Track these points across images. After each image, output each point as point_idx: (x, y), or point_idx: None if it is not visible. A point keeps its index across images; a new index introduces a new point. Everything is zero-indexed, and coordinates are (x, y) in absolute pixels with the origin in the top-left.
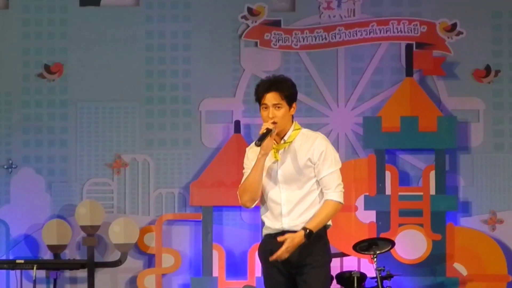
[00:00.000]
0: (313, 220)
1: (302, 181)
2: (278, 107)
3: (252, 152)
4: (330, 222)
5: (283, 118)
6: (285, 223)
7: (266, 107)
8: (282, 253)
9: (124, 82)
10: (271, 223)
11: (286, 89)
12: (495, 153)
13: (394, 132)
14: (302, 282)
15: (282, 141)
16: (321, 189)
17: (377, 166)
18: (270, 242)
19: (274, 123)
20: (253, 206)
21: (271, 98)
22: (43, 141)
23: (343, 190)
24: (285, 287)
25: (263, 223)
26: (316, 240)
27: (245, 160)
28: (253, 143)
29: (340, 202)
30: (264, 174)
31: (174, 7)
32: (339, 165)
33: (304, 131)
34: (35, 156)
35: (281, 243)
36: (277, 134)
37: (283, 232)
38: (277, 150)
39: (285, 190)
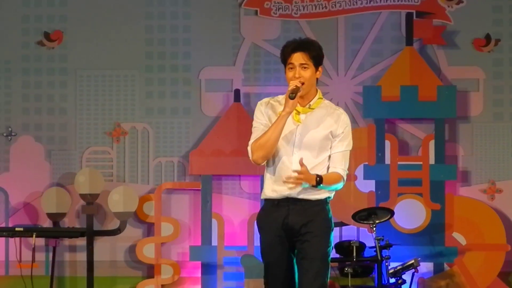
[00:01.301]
0: (324, 175)
1: (317, 150)
2: (305, 68)
3: (267, 107)
4: (332, 195)
5: (310, 80)
6: (291, 189)
7: (293, 67)
8: (294, 178)
9: (124, 50)
10: (276, 187)
11: (314, 50)
12: (494, 123)
13: (394, 102)
14: (302, 250)
15: (308, 106)
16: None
17: (376, 135)
18: (273, 210)
19: (301, 83)
20: (263, 163)
21: (298, 57)
22: (43, 109)
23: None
24: (286, 257)
25: (264, 187)
26: (319, 209)
27: (257, 114)
28: (266, 98)
29: (344, 180)
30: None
31: None
32: (351, 148)
33: (327, 102)
34: (35, 124)
35: (285, 212)
36: (301, 97)
37: (287, 199)
38: (299, 113)
39: (299, 155)
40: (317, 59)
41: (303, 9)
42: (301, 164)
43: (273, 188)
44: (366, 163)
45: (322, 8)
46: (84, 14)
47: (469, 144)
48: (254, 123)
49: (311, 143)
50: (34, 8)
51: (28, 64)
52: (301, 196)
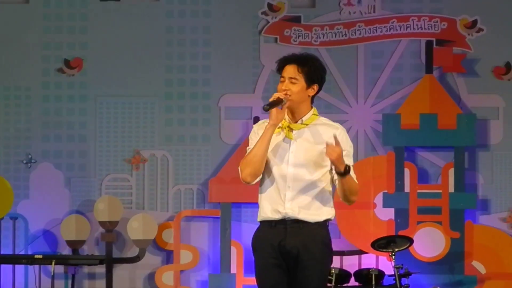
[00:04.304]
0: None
1: (313, 167)
2: (293, 82)
3: (260, 128)
4: (332, 216)
5: (298, 94)
6: (288, 209)
7: (283, 80)
8: (334, 149)
9: (143, 77)
10: (272, 207)
11: (308, 65)
12: None
13: (413, 130)
14: (303, 277)
15: (300, 122)
16: (329, 184)
17: (396, 163)
18: (270, 231)
19: (287, 95)
20: (254, 182)
21: (289, 70)
22: (63, 136)
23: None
24: (281, 281)
25: (261, 209)
26: (319, 234)
27: (251, 135)
28: (262, 120)
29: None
30: (273, 152)
31: (194, 3)
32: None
33: (323, 119)
34: (54, 151)
35: (282, 233)
36: (292, 114)
37: (284, 221)
38: (292, 130)
39: (293, 173)
40: (309, 75)
41: (323, 36)
42: (337, 143)
43: (270, 209)
44: (386, 191)
45: (342, 36)
46: (104, 42)
47: (489, 173)
48: (249, 146)
49: (305, 160)
50: (55, 35)
51: (48, 91)
52: (300, 217)
